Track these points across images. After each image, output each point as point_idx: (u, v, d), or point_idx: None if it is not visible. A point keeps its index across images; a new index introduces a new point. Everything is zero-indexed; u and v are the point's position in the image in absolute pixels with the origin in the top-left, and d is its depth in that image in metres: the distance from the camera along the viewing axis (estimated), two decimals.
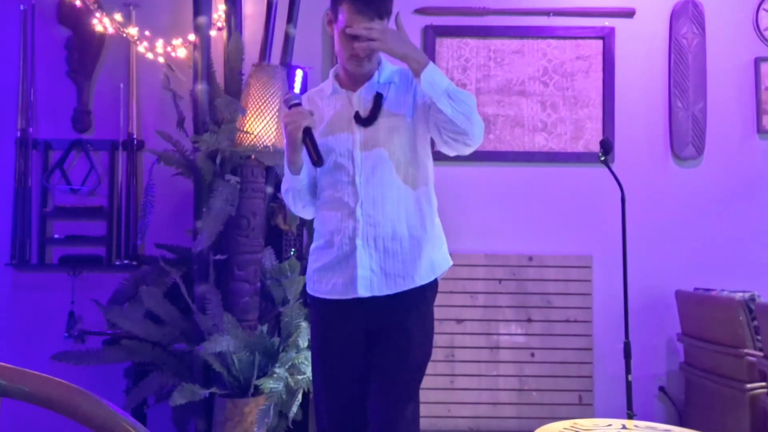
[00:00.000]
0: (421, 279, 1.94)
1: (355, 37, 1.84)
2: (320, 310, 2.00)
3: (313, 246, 2.03)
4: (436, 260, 1.99)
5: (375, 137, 1.92)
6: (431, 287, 2.00)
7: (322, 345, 1.99)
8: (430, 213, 2.01)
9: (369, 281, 1.89)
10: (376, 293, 1.90)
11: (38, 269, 3.66)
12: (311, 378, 2.20)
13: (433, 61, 3.77)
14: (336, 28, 1.91)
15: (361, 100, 1.95)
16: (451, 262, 2.08)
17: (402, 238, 1.92)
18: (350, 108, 1.95)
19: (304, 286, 2.13)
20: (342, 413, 1.96)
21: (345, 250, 1.90)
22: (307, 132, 1.84)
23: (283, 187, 2.07)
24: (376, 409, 1.89)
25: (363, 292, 1.89)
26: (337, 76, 2.02)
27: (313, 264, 2.01)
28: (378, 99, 1.93)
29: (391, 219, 1.91)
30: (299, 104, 1.91)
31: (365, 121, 1.92)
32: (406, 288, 1.91)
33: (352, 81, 1.98)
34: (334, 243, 1.93)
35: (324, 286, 1.96)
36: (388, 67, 2.02)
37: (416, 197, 1.97)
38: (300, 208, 2.05)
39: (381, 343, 1.92)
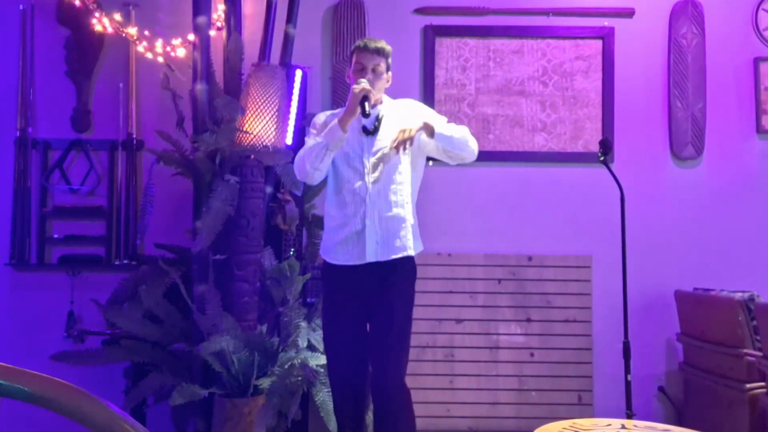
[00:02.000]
0: (407, 251, 2.58)
1: (362, 70, 2.56)
2: (336, 274, 2.59)
3: (330, 225, 2.61)
4: (417, 240, 2.64)
5: (378, 146, 2.57)
6: (412, 259, 2.63)
7: (336, 300, 2.60)
8: (412, 206, 2.65)
9: (374, 250, 2.52)
10: (380, 259, 2.52)
11: (38, 269, 3.66)
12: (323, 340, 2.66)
13: (433, 61, 3.79)
14: (351, 72, 2.62)
15: (368, 121, 2.58)
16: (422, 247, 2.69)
17: (398, 220, 2.55)
18: (360, 126, 2.59)
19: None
20: (347, 352, 2.56)
21: (358, 228, 2.52)
22: (366, 97, 2.45)
23: (316, 147, 2.51)
24: (376, 348, 2.53)
25: (370, 257, 2.51)
26: None
27: (331, 239, 2.59)
28: (379, 121, 2.60)
29: (390, 205, 2.55)
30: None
31: (369, 132, 2.58)
32: (399, 255, 2.55)
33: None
34: (348, 223, 2.54)
35: (342, 256, 2.55)
36: (389, 102, 2.68)
37: (405, 192, 2.59)
38: (318, 164, 2.51)
39: (379, 300, 2.54)
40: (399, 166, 2.58)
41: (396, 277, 2.56)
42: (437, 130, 2.51)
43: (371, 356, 2.56)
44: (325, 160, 2.52)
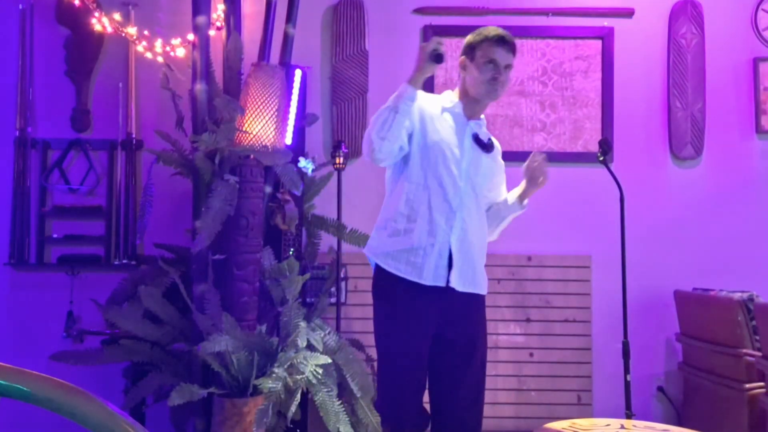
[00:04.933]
0: (484, 288, 2.35)
1: (496, 67, 2.24)
2: (391, 284, 2.26)
3: (400, 225, 2.24)
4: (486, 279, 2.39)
5: (478, 161, 2.31)
6: (484, 299, 2.40)
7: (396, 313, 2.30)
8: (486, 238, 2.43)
9: (457, 276, 2.21)
10: (454, 286, 2.21)
11: (37, 269, 3.66)
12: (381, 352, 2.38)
13: None
14: (474, 63, 2.27)
15: (478, 129, 2.33)
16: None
17: (478, 250, 2.31)
18: (466, 129, 2.31)
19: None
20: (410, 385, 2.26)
21: (442, 241, 2.19)
22: (439, 54, 2.09)
23: (383, 111, 2.16)
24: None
25: (455, 282, 2.22)
26: (459, 99, 2.36)
27: (393, 241, 2.23)
28: (491, 140, 2.37)
29: (475, 230, 2.29)
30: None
31: (486, 147, 2.32)
32: (476, 291, 2.29)
33: (470, 111, 2.35)
34: (431, 230, 2.20)
35: (402, 264, 2.22)
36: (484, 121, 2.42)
37: (484, 223, 2.40)
38: (384, 132, 2.12)
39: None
40: (480, 192, 2.35)
41: (474, 314, 2.31)
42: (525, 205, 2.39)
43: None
44: (394, 127, 2.11)
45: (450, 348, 2.26)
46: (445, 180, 2.23)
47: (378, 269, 2.30)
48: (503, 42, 2.23)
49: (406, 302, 2.24)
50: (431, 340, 2.26)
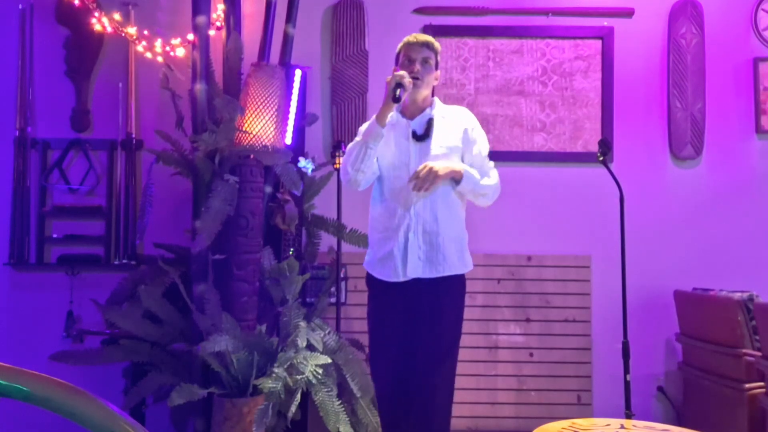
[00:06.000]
0: (455, 269, 2.48)
1: (411, 62, 2.48)
2: (377, 287, 2.54)
3: (375, 237, 2.54)
4: (466, 257, 2.54)
5: (426, 153, 2.45)
6: (462, 277, 2.54)
7: (381, 316, 2.55)
8: (461, 218, 2.55)
9: (416, 266, 2.42)
10: (421, 276, 2.43)
11: (37, 269, 3.66)
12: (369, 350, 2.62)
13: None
14: (399, 66, 2.52)
15: (417, 125, 2.51)
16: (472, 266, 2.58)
17: (443, 236, 2.44)
18: (408, 131, 2.50)
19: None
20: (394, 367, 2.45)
21: (401, 242, 2.43)
22: (401, 84, 2.34)
23: (355, 146, 2.45)
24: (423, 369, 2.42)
25: (412, 273, 2.43)
26: (400, 111, 2.57)
27: (375, 254, 2.52)
28: (430, 122, 2.50)
29: (437, 219, 2.44)
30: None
31: (420, 137, 2.47)
32: (444, 274, 2.44)
33: (412, 112, 2.55)
34: (391, 236, 2.44)
35: (383, 271, 2.48)
36: (440, 106, 2.59)
37: (453, 203, 2.49)
38: (359, 164, 2.42)
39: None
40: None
41: (443, 293, 2.45)
42: (465, 180, 2.43)
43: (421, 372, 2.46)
44: (366, 160, 2.40)
45: (419, 332, 2.46)
46: (397, 188, 2.46)
47: (367, 275, 2.60)
48: (415, 41, 2.51)
49: (385, 299, 2.52)
50: (413, 329, 2.46)
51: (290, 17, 3.34)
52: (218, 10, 3.50)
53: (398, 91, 2.32)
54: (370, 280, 2.57)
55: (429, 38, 2.53)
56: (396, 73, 2.38)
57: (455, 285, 2.50)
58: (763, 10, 3.84)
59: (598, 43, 3.83)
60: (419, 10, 3.81)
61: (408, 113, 2.55)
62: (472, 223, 3.76)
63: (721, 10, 3.85)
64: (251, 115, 3.03)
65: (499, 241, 3.75)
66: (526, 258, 3.71)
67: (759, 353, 2.98)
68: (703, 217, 3.77)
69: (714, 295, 3.36)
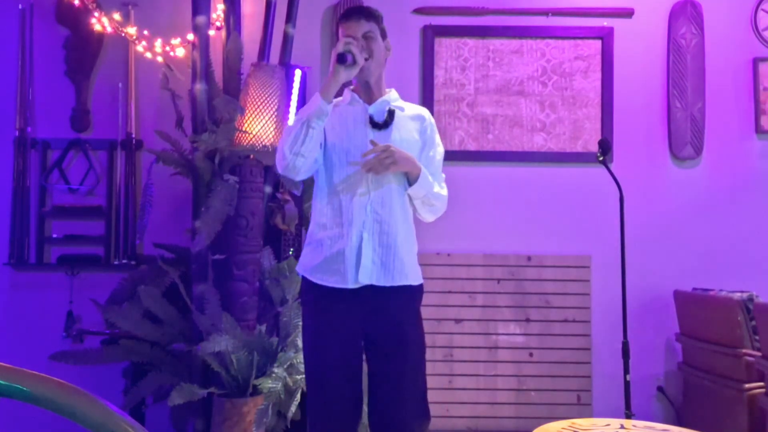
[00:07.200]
0: (412, 278, 2.14)
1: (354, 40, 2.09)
2: (318, 295, 2.14)
3: (320, 235, 2.12)
4: (418, 267, 2.19)
5: (385, 143, 2.09)
6: (421, 289, 2.21)
7: (317, 325, 2.16)
8: (412, 222, 2.22)
9: (370, 271, 2.06)
10: (375, 282, 2.06)
11: (36, 269, 3.65)
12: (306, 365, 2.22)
13: (432, 61, 3.79)
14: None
15: (375, 110, 2.17)
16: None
17: (401, 237, 2.12)
18: (365, 116, 2.16)
19: (304, 285, 2.16)
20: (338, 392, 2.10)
21: (354, 242, 2.06)
22: (345, 55, 2.02)
23: (295, 124, 2.07)
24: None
25: (364, 279, 2.06)
26: (353, 90, 2.23)
27: (318, 255, 2.11)
28: (391, 112, 2.17)
29: (395, 218, 2.11)
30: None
31: (380, 126, 2.14)
32: (402, 282, 2.10)
33: (367, 96, 2.20)
34: (342, 234, 2.08)
35: (330, 276, 2.09)
36: (398, 97, 2.25)
37: (406, 204, 2.17)
38: (298, 147, 2.03)
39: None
40: (404, 173, 2.13)
41: (399, 307, 2.11)
42: (421, 179, 2.09)
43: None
44: (307, 142, 2.02)
45: (375, 347, 2.13)
46: (350, 178, 2.10)
47: (304, 281, 2.19)
48: (348, 15, 2.14)
49: (329, 310, 2.11)
50: (361, 343, 2.14)
51: (290, 17, 3.34)
52: (218, 10, 3.50)
53: (347, 55, 2.00)
54: (309, 287, 2.14)
55: (365, 7, 2.17)
56: (343, 41, 2.04)
57: (416, 298, 2.16)
58: (763, 10, 3.84)
59: (597, 44, 3.83)
60: (419, 10, 3.81)
61: (363, 96, 2.20)
62: (472, 223, 3.79)
63: (721, 10, 3.85)
64: (251, 115, 3.03)
65: (499, 241, 3.75)
66: (526, 258, 3.71)
67: (759, 353, 2.98)
68: (703, 217, 3.77)
69: (714, 295, 3.36)
